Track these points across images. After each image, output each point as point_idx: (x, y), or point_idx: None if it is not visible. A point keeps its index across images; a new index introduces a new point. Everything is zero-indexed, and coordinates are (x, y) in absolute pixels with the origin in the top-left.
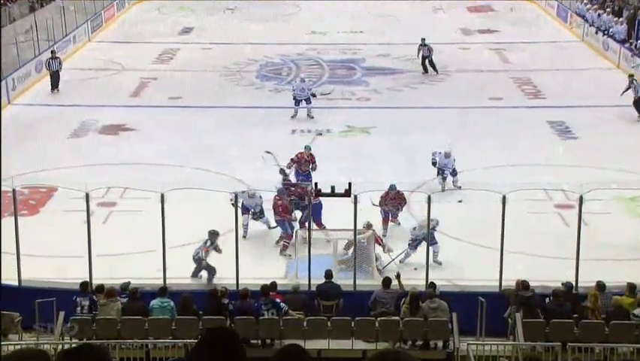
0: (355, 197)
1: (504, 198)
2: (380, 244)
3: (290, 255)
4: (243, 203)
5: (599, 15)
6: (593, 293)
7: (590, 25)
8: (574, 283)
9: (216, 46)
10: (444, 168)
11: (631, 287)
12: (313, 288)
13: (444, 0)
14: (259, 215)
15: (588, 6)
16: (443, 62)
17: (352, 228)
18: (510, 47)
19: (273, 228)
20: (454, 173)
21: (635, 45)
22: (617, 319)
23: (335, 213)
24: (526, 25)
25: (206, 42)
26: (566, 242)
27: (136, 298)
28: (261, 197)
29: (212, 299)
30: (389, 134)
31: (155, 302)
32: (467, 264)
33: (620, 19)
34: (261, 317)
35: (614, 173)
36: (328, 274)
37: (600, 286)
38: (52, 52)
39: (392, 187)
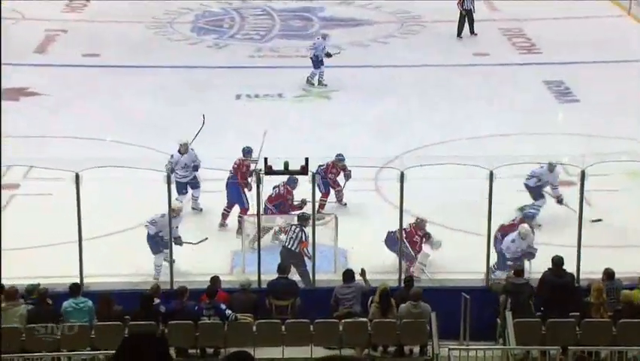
0: (313, 175)
1: (491, 174)
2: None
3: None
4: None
5: None
6: (596, 287)
7: None
8: (575, 275)
9: None
10: (547, 185)
11: None
12: (264, 285)
13: None
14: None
15: None
16: (419, 10)
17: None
18: None
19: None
20: (560, 200)
21: None
22: (627, 317)
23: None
24: None
25: None
26: (565, 226)
27: (45, 302)
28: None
29: (141, 300)
30: (353, 99)
31: (67, 304)
32: (448, 253)
33: None
34: (201, 321)
35: (623, 142)
36: (282, 269)
37: (609, 274)
38: None
39: (341, 158)
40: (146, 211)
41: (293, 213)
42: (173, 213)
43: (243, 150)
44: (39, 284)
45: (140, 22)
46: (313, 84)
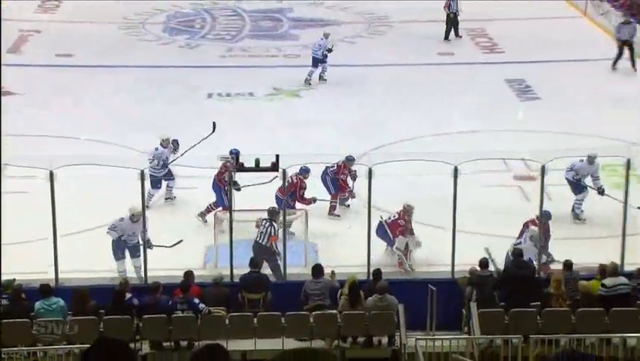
0: (284, 171)
1: (456, 169)
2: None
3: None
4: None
5: None
6: (556, 278)
7: None
8: (536, 266)
9: None
10: (590, 177)
11: (602, 270)
12: (237, 279)
13: None
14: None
15: None
16: (383, 11)
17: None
18: None
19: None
20: (601, 191)
21: None
22: (585, 306)
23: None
24: None
25: None
26: (526, 219)
27: (20, 297)
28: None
29: (114, 295)
30: (323, 97)
31: (39, 305)
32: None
33: None
34: (175, 315)
35: (582, 138)
36: (254, 263)
37: (567, 265)
38: None
39: (351, 159)
40: (120, 208)
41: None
42: (134, 218)
43: (230, 151)
44: (14, 280)
45: (112, 22)
46: (310, 83)
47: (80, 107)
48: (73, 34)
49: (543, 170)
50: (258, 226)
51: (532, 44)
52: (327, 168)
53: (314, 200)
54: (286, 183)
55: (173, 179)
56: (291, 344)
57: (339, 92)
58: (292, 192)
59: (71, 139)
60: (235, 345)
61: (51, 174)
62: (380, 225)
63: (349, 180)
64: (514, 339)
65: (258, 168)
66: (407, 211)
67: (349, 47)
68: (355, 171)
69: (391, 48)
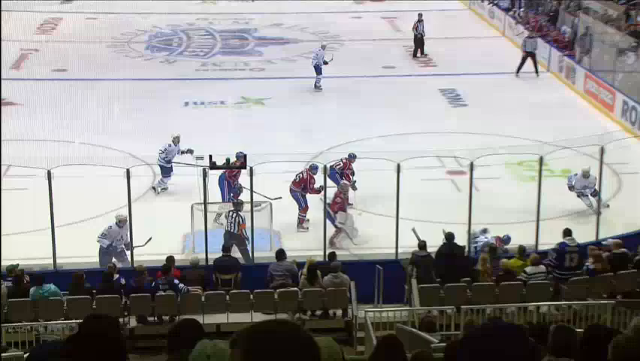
0: (251, 169)
1: (398, 166)
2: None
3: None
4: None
5: None
6: (483, 257)
7: None
8: (467, 248)
9: (102, 15)
10: (583, 191)
11: (521, 250)
12: (211, 262)
13: None
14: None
15: None
16: (334, 31)
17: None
18: (401, 16)
19: None
20: (594, 193)
21: (518, 13)
22: (506, 280)
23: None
24: None
25: (91, 11)
26: (458, 207)
27: (22, 280)
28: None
29: (104, 275)
30: (284, 104)
31: (34, 291)
32: (363, 232)
33: None
34: (158, 294)
35: (503, 138)
36: (226, 248)
37: (491, 246)
38: None
39: (353, 156)
40: (109, 202)
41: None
42: (120, 223)
43: (236, 154)
44: (17, 265)
45: (101, 42)
46: (320, 88)
47: (74, 115)
48: (67, 52)
49: (472, 166)
50: (226, 217)
51: (460, 59)
52: (331, 166)
53: (322, 188)
54: (297, 179)
55: (169, 176)
56: (258, 317)
57: (298, 100)
58: (304, 186)
59: (66, 143)
60: (210, 319)
61: (49, 173)
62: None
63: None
64: (448, 309)
65: (228, 165)
66: (343, 190)
67: (306, 61)
68: (354, 167)
69: (342, 63)
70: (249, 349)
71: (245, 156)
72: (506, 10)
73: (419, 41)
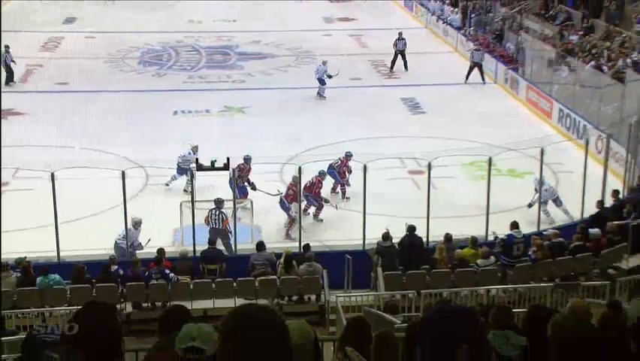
0: (233, 170)
1: (365, 166)
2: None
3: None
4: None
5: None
6: (440, 247)
7: (432, 15)
8: (425, 239)
9: (99, 34)
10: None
11: (473, 240)
12: (198, 254)
13: None
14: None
15: None
16: (307, 47)
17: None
18: (366, 34)
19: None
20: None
21: (469, 32)
22: (460, 268)
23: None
24: (380, 14)
25: (90, 31)
26: (418, 203)
27: (29, 271)
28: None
29: (103, 267)
30: (263, 113)
31: (40, 280)
32: (335, 226)
33: (456, 10)
34: (151, 283)
35: (457, 142)
36: (211, 241)
37: (447, 238)
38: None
39: (349, 154)
40: (107, 201)
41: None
42: (136, 225)
43: (244, 157)
44: (25, 258)
45: (99, 58)
46: (324, 97)
47: (74, 123)
48: (68, 68)
49: (429, 166)
50: (209, 218)
51: (419, 72)
52: (330, 164)
53: (326, 201)
54: (308, 184)
55: (183, 176)
56: (241, 303)
57: (275, 108)
58: (312, 189)
59: (68, 148)
60: (198, 305)
61: (52, 175)
62: (281, 200)
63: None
64: (410, 294)
65: (213, 167)
66: (294, 182)
67: (282, 74)
68: (350, 165)
69: (314, 75)
70: (226, 331)
71: (228, 158)
72: (458, 29)
73: (399, 56)
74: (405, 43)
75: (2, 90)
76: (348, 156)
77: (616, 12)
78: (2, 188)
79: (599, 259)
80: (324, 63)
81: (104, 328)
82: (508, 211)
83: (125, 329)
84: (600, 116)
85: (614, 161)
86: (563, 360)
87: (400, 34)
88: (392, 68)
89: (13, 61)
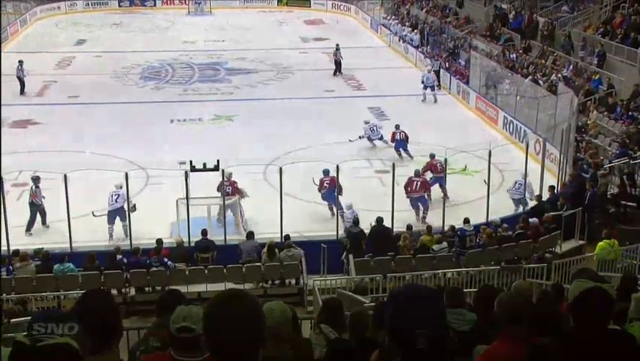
0: (223, 170)
1: (337, 167)
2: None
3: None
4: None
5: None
6: (404, 236)
7: (394, 35)
8: (392, 229)
9: (106, 54)
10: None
11: (429, 229)
12: (193, 244)
13: (286, 14)
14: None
15: (392, 21)
16: (287, 63)
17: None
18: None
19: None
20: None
21: (426, 50)
22: (421, 253)
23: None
24: (349, 34)
25: (98, 51)
26: (384, 198)
27: (48, 260)
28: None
29: (110, 256)
30: (248, 120)
31: (57, 267)
32: (307, 219)
33: (415, 31)
34: (151, 269)
35: (417, 145)
36: (204, 232)
37: (409, 227)
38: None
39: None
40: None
41: None
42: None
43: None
44: (42, 248)
45: (105, 74)
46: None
47: (85, 130)
48: (79, 82)
49: (393, 166)
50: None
51: (384, 84)
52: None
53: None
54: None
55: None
56: (230, 286)
57: (260, 117)
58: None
59: (79, 152)
60: (193, 288)
61: (65, 177)
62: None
63: None
64: (377, 277)
65: (205, 169)
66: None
67: (265, 87)
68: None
69: (293, 88)
70: (206, 314)
71: (218, 161)
72: (417, 47)
73: (338, 64)
74: (341, 55)
75: (19, 102)
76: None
77: (548, 35)
78: (22, 188)
79: (538, 245)
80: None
81: (104, 310)
82: (461, 204)
83: (130, 310)
84: (537, 122)
85: (550, 161)
86: (507, 332)
87: (337, 45)
88: (335, 73)
89: (25, 75)
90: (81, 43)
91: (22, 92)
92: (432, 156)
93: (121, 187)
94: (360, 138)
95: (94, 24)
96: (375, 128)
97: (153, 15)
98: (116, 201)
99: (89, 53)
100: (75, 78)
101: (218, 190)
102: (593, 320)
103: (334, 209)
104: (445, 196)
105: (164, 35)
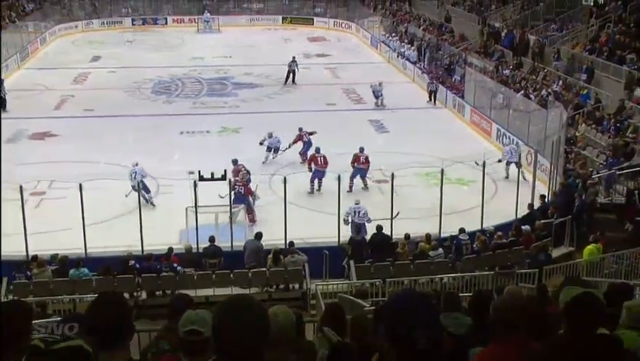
0: (229, 180)
1: (339, 176)
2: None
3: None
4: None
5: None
6: (402, 243)
7: (393, 51)
8: (391, 236)
9: (120, 69)
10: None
11: (427, 237)
12: (201, 250)
13: (290, 32)
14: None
15: (390, 38)
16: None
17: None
18: (339, 67)
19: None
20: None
21: (423, 65)
22: (419, 259)
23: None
24: (350, 51)
25: (112, 67)
26: (382, 207)
27: (64, 265)
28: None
29: (122, 262)
30: (254, 132)
31: (72, 272)
32: (314, 226)
33: (412, 47)
34: (162, 274)
35: (415, 156)
36: (211, 239)
37: (406, 236)
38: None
39: (362, 148)
40: (125, 206)
41: None
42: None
43: (232, 160)
44: (58, 254)
45: (119, 88)
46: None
47: (100, 142)
48: (94, 97)
49: (392, 176)
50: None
51: (384, 98)
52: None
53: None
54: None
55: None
56: (237, 291)
57: (264, 129)
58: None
59: (94, 163)
60: (201, 293)
61: (80, 186)
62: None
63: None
64: (377, 282)
65: (212, 178)
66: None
67: (270, 100)
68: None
69: (296, 102)
70: (215, 320)
71: (225, 170)
72: (414, 63)
73: (291, 74)
74: (297, 65)
75: (41, 115)
76: (361, 149)
77: (538, 52)
78: (40, 197)
79: (529, 251)
80: (380, 84)
81: (117, 308)
82: (457, 213)
83: (142, 313)
84: (529, 135)
85: (541, 171)
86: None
87: (294, 57)
88: (286, 82)
89: (6, 94)
90: (96, 60)
91: (4, 109)
92: (361, 150)
93: (137, 164)
94: (261, 144)
95: (108, 42)
96: (278, 139)
97: (164, 33)
98: (134, 178)
99: (104, 68)
100: (91, 93)
101: (231, 188)
102: (585, 325)
103: (315, 188)
104: (365, 187)
105: (174, 52)
